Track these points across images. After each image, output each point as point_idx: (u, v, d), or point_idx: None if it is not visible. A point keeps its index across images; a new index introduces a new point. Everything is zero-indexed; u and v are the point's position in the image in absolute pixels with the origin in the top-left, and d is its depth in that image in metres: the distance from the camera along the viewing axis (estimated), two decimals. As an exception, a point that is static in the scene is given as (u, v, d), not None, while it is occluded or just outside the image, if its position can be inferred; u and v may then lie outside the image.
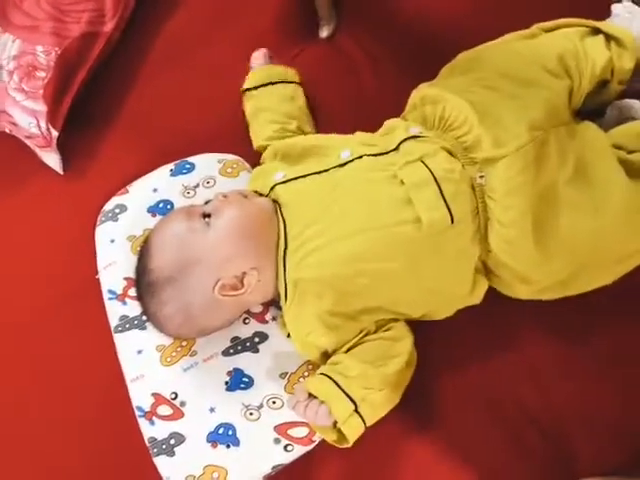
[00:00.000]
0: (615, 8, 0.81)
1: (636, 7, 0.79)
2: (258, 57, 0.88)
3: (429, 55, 0.83)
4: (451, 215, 0.67)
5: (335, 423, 0.68)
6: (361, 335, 0.70)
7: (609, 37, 0.77)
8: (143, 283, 0.73)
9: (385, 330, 0.70)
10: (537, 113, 0.68)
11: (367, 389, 0.67)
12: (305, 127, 0.84)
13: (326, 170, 0.73)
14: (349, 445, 0.69)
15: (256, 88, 0.85)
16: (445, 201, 0.67)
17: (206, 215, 0.73)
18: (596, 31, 0.78)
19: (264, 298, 0.75)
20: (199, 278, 0.71)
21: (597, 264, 0.69)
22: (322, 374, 0.68)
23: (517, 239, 0.67)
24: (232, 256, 0.71)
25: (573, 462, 0.72)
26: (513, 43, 0.78)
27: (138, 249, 0.76)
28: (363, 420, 0.67)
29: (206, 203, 0.82)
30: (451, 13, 0.92)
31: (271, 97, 0.85)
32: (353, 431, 0.67)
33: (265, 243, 0.71)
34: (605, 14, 0.82)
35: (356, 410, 0.67)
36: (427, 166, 0.69)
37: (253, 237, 0.71)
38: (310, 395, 0.68)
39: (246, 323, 0.78)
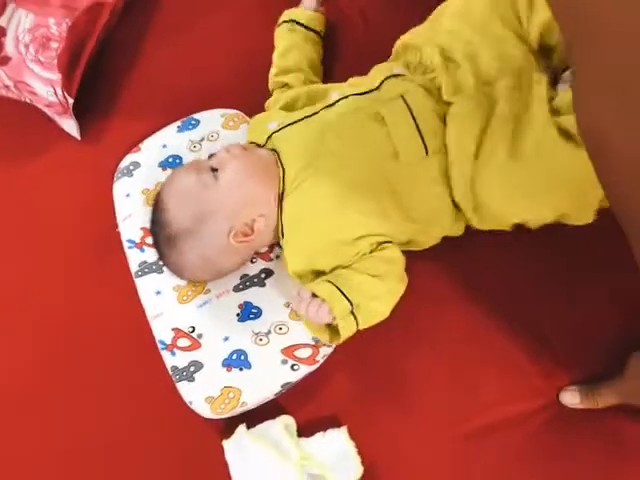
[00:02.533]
0: None
1: None
2: (309, 1, 0.92)
3: (421, 9, 0.86)
4: (425, 147, 0.73)
5: (329, 325, 0.75)
6: (358, 256, 0.76)
7: None
8: (162, 236, 0.80)
9: (380, 250, 0.76)
10: (486, 66, 0.74)
11: (363, 296, 0.73)
12: (313, 78, 0.90)
13: (316, 113, 0.79)
14: (339, 342, 0.75)
15: (306, 28, 0.90)
16: (420, 134, 0.73)
17: (213, 169, 0.79)
18: None
19: (271, 240, 0.82)
20: (214, 228, 0.78)
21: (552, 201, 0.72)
22: (325, 280, 0.75)
23: (458, 174, 0.73)
24: (240, 205, 0.77)
25: (555, 374, 0.79)
26: None
27: (152, 203, 0.83)
28: (357, 323, 0.74)
29: (210, 157, 0.89)
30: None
31: (314, 46, 0.91)
32: (347, 329, 0.74)
33: (268, 191, 0.78)
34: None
35: (352, 312, 0.73)
36: (406, 102, 0.75)
37: (257, 186, 0.78)
38: (313, 296, 0.74)
39: (253, 262, 0.85)
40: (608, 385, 0.74)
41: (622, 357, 0.72)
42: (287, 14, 0.92)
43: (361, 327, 0.74)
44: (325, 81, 0.92)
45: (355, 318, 0.73)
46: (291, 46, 0.90)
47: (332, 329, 0.76)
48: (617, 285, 0.79)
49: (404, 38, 0.85)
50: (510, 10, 0.78)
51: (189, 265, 0.80)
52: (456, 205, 0.76)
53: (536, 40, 0.77)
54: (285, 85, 0.89)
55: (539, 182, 0.70)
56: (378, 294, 0.74)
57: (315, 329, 0.77)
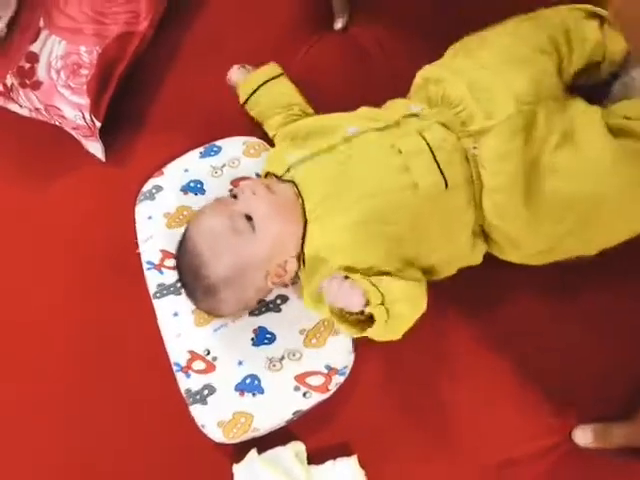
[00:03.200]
0: None
1: None
2: (235, 73, 0.95)
3: (442, 43, 0.88)
4: (445, 180, 0.74)
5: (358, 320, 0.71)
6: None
7: (602, 20, 0.82)
8: (199, 286, 0.80)
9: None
10: (523, 88, 0.75)
11: (391, 296, 0.70)
12: (307, 109, 0.92)
13: (334, 146, 0.80)
14: (365, 334, 0.71)
15: (250, 96, 0.93)
16: (439, 168, 0.74)
17: (247, 217, 0.78)
18: (590, 15, 0.83)
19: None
20: (252, 275, 0.79)
21: (583, 233, 0.74)
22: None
23: (506, 203, 0.73)
24: (276, 251, 0.79)
25: (569, 412, 0.78)
26: (511, 24, 0.84)
27: (178, 245, 0.82)
28: (387, 316, 0.69)
29: (232, 185, 0.91)
30: (466, 2, 0.97)
31: (267, 97, 0.92)
32: (380, 317, 0.69)
33: (296, 228, 0.79)
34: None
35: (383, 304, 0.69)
36: (423, 137, 0.76)
37: (289, 230, 0.78)
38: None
39: (270, 288, 0.86)
40: (621, 426, 0.73)
41: (638, 398, 0.72)
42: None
43: (388, 327, 0.71)
44: (337, 111, 0.91)
45: (387, 311, 0.70)
46: (258, 118, 0.93)
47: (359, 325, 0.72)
48: (637, 324, 0.78)
49: (424, 71, 0.86)
50: (552, 47, 0.80)
51: (227, 309, 0.82)
52: (485, 235, 0.76)
53: (571, 77, 0.79)
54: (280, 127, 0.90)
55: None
56: (405, 297, 0.72)
57: (343, 319, 0.72)
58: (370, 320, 0.69)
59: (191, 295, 0.83)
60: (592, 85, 0.84)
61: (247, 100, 0.94)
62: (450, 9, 1.00)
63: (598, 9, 0.83)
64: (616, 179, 0.72)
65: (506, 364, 0.81)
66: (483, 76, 0.78)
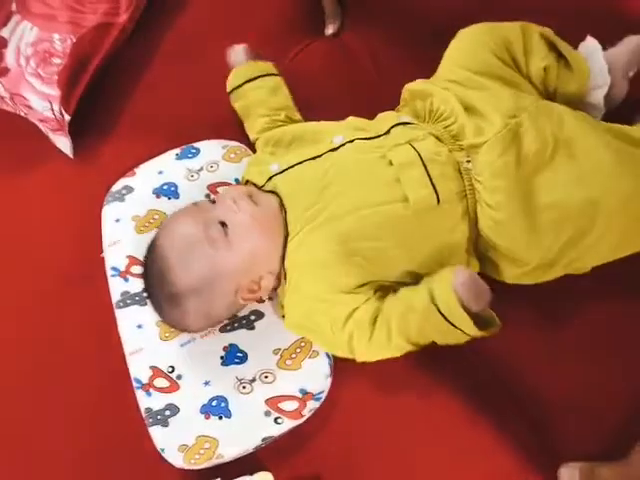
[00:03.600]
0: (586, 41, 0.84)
1: (596, 47, 0.83)
2: (237, 53, 0.89)
3: (433, 53, 0.86)
4: (437, 194, 0.70)
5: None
6: (370, 301, 0.70)
7: (559, 55, 0.82)
8: (163, 293, 0.74)
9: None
10: (505, 102, 0.73)
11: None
12: (293, 115, 0.87)
13: (320, 155, 0.76)
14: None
15: (240, 86, 0.88)
16: (431, 181, 0.70)
17: (222, 224, 0.73)
18: (549, 43, 0.82)
19: (273, 286, 0.77)
20: (222, 287, 0.73)
21: (583, 244, 0.70)
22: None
23: (506, 219, 0.70)
24: (251, 264, 0.74)
25: (556, 447, 0.74)
26: (477, 30, 0.83)
27: (147, 249, 0.76)
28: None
29: (209, 191, 0.85)
30: (457, 12, 0.95)
31: (257, 92, 0.87)
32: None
33: (276, 243, 0.74)
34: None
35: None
36: (415, 148, 0.72)
37: (267, 242, 0.74)
38: None
39: (243, 302, 0.81)
40: (611, 467, 0.69)
41: (629, 438, 0.68)
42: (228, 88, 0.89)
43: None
44: (322, 118, 0.88)
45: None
46: (241, 113, 0.88)
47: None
48: (631, 361, 0.75)
49: (411, 86, 0.83)
50: (507, 55, 0.80)
51: (191, 322, 0.76)
52: (479, 254, 0.73)
53: (539, 84, 0.79)
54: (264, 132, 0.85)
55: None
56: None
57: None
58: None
59: (155, 304, 0.77)
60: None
61: (236, 88, 0.88)
62: (442, 19, 0.97)
63: (562, 44, 0.82)
64: (616, 185, 0.69)
65: (489, 397, 0.76)
66: (464, 92, 0.76)
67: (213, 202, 0.77)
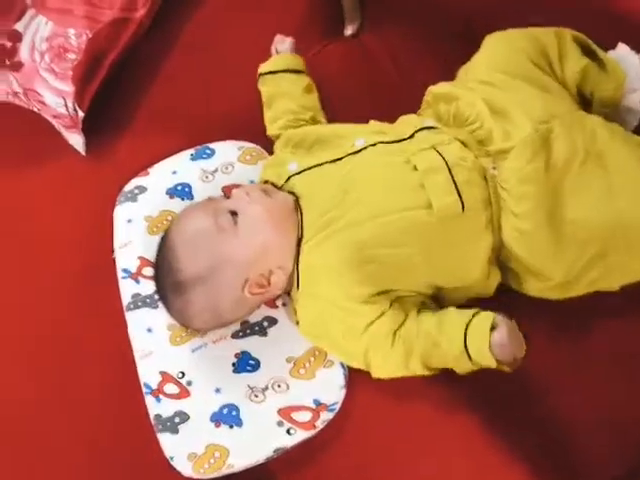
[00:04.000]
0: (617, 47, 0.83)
1: (629, 51, 0.82)
2: (284, 43, 0.88)
3: (452, 54, 0.85)
4: (462, 202, 0.68)
5: None
6: (387, 314, 0.68)
7: (594, 59, 0.80)
8: (168, 281, 0.73)
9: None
10: (536, 106, 0.71)
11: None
12: (319, 118, 0.85)
13: (340, 158, 0.74)
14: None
15: (276, 72, 0.86)
16: (456, 188, 0.68)
17: (232, 213, 0.72)
18: (585, 49, 0.81)
19: (285, 290, 0.76)
20: (228, 278, 0.71)
21: (609, 260, 0.68)
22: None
23: (531, 230, 0.68)
24: (259, 255, 0.72)
25: (577, 467, 0.71)
26: (512, 34, 0.81)
27: (156, 233, 0.77)
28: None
29: (224, 192, 0.84)
30: (475, 12, 0.94)
31: (292, 85, 0.85)
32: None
33: (289, 240, 0.72)
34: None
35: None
36: (440, 153, 0.70)
37: (277, 235, 0.72)
38: None
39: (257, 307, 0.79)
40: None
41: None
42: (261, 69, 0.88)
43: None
44: (348, 122, 0.86)
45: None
46: (268, 99, 0.86)
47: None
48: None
49: (435, 88, 0.81)
50: (543, 60, 0.78)
51: (195, 315, 0.74)
52: (501, 264, 0.71)
53: (574, 88, 0.77)
54: (280, 135, 0.84)
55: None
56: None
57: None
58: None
59: (161, 295, 0.75)
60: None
61: (271, 72, 0.86)
62: (463, 20, 0.95)
63: (596, 48, 0.81)
64: None
65: (507, 412, 0.73)
66: (494, 94, 0.74)
67: (228, 197, 0.76)
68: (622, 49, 0.82)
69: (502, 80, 0.75)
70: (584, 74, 0.78)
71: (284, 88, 0.85)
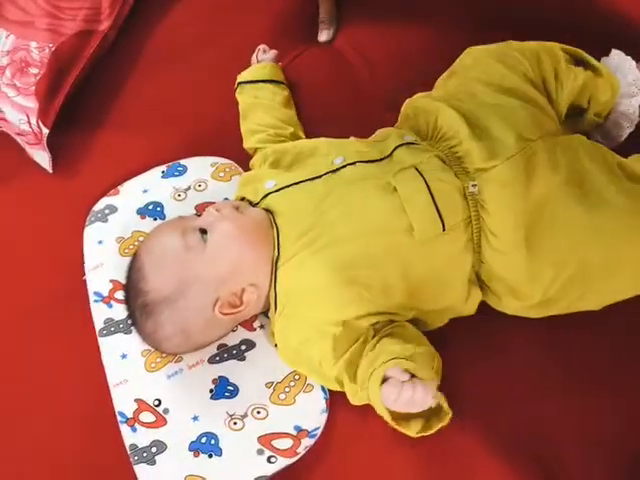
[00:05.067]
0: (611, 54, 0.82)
1: (622, 55, 0.81)
2: (266, 53, 0.87)
3: (427, 63, 0.83)
4: (443, 223, 0.67)
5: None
6: (360, 341, 0.67)
7: (587, 66, 0.79)
8: (137, 304, 0.70)
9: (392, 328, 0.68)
10: (522, 123, 0.69)
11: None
12: (299, 134, 0.84)
13: (319, 177, 0.72)
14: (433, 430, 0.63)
15: (256, 82, 0.84)
16: (437, 209, 0.67)
17: (202, 230, 0.70)
18: (579, 61, 0.79)
19: (260, 310, 0.74)
20: (198, 298, 0.69)
21: (587, 283, 0.68)
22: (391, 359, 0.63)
23: (510, 249, 0.67)
24: (230, 273, 0.69)
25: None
26: (504, 47, 0.78)
27: (128, 265, 0.73)
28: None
29: (196, 211, 0.82)
30: (451, 22, 0.92)
31: (271, 95, 0.84)
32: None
33: (262, 257, 0.70)
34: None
35: None
36: (421, 174, 0.68)
37: (249, 252, 0.70)
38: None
39: (234, 330, 0.76)
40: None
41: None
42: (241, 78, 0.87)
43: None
44: (322, 128, 0.84)
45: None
46: (245, 109, 0.85)
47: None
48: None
49: (415, 101, 0.79)
50: (538, 77, 0.75)
51: (165, 338, 0.71)
52: (481, 283, 0.70)
53: (564, 110, 0.75)
54: (258, 149, 0.82)
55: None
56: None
57: (403, 422, 0.64)
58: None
59: (131, 317, 0.73)
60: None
61: (251, 82, 0.85)
62: (442, 29, 0.93)
63: (587, 55, 0.79)
64: (627, 227, 0.66)
65: (493, 430, 0.72)
66: (477, 108, 0.72)
67: (199, 215, 0.74)
68: (616, 55, 0.80)
69: (491, 94, 0.73)
70: (584, 86, 0.77)
71: (262, 99, 0.84)
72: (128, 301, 0.73)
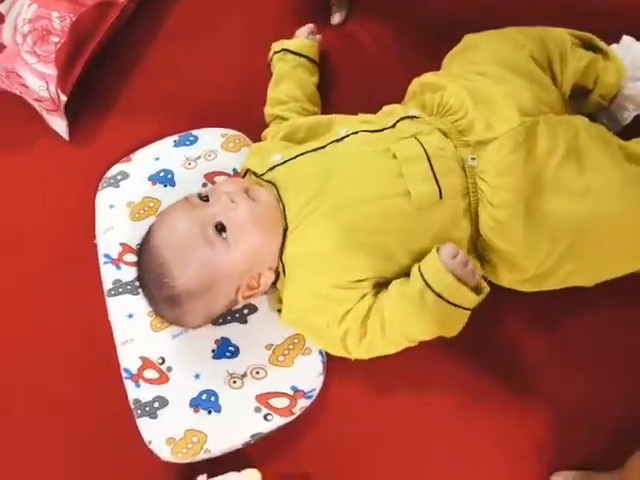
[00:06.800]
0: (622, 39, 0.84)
1: (634, 41, 0.82)
2: (304, 29, 0.90)
3: (437, 44, 0.84)
4: (440, 191, 0.68)
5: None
6: (367, 297, 0.69)
7: (597, 51, 0.80)
8: (162, 295, 0.72)
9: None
10: (526, 99, 0.70)
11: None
12: (316, 110, 0.86)
13: (323, 147, 0.74)
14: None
15: (300, 55, 0.87)
16: (435, 176, 0.68)
17: (219, 226, 0.70)
18: (587, 44, 0.81)
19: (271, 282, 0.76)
20: (223, 290, 0.72)
21: (581, 257, 0.69)
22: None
23: (507, 219, 0.68)
24: (250, 265, 0.72)
25: (551, 455, 0.73)
26: (506, 32, 0.80)
27: (142, 250, 0.73)
28: None
29: (205, 179, 0.84)
30: (459, 4, 0.94)
31: (307, 75, 0.87)
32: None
33: (276, 240, 0.72)
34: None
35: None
36: (420, 142, 0.70)
37: (267, 240, 0.72)
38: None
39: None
40: (604, 476, 0.68)
41: (623, 447, 0.67)
42: (277, 45, 0.88)
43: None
44: (334, 111, 0.87)
45: None
46: (282, 75, 0.87)
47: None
48: (626, 371, 0.74)
49: (422, 78, 0.81)
50: (544, 59, 0.77)
51: (189, 320, 0.74)
52: (478, 252, 0.72)
53: (569, 91, 0.77)
54: (279, 117, 0.84)
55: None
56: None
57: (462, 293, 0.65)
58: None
59: (153, 303, 0.75)
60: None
61: (294, 52, 0.87)
62: (451, 13, 0.95)
63: (597, 39, 0.81)
64: (622, 204, 0.68)
65: (486, 400, 0.75)
66: (484, 85, 0.73)
67: (206, 199, 0.73)
68: (627, 40, 0.82)
69: (497, 72, 0.74)
70: (589, 66, 0.78)
71: (300, 74, 0.86)
72: (149, 288, 0.73)
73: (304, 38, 0.89)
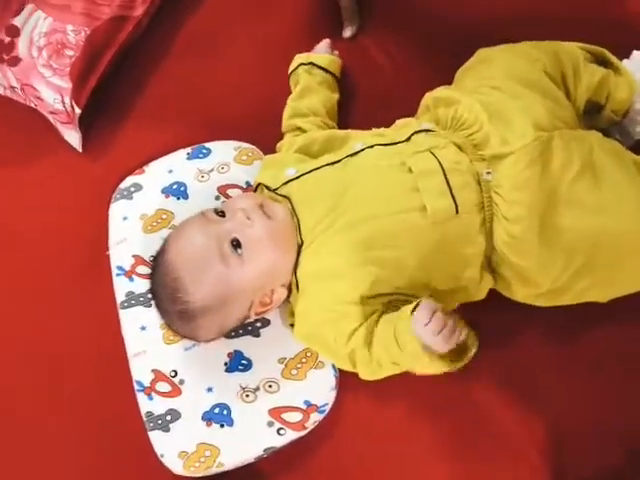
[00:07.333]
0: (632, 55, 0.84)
1: None
2: (323, 45, 0.90)
3: (449, 58, 0.85)
4: (456, 205, 0.68)
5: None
6: (376, 315, 0.69)
7: (608, 65, 0.81)
8: (175, 309, 0.72)
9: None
10: (540, 114, 0.70)
11: None
12: (333, 125, 0.86)
13: (338, 161, 0.74)
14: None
15: (327, 71, 0.87)
16: (451, 191, 0.68)
17: (235, 242, 0.70)
18: (599, 59, 0.82)
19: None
20: (235, 306, 0.72)
21: (596, 273, 0.69)
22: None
23: (522, 234, 0.68)
24: (266, 282, 0.72)
25: (563, 467, 0.73)
26: (519, 47, 0.80)
27: (157, 264, 0.73)
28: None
29: (219, 192, 0.84)
30: (471, 18, 0.94)
31: (330, 92, 0.88)
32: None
33: (291, 257, 0.72)
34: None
35: None
36: (435, 156, 0.70)
37: (282, 257, 0.72)
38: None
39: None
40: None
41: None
42: (303, 57, 0.89)
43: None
44: (347, 125, 0.88)
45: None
46: (307, 89, 0.87)
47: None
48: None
49: (435, 92, 0.81)
50: (558, 74, 0.77)
51: (202, 334, 0.74)
52: (492, 269, 0.71)
53: (582, 106, 0.77)
54: (298, 129, 0.84)
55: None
56: None
57: (432, 361, 0.63)
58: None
59: (166, 317, 0.75)
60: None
61: (322, 68, 0.87)
62: (464, 27, 0.95)
63: (609, 54, 0.81)
64: (638, 219, 0.68)
65: (495, 415, 0.75)
66: (498, 99, 0.73)
67: (222, 215, 0.73)
68: (638, 55, 0.82)
69: (512, 86, 0.74)
70: (601, 82, 0.79)
71: (324, 90, 0.87)
72: (163, 302, 0.73)
73: (326, 53, 0.89)
